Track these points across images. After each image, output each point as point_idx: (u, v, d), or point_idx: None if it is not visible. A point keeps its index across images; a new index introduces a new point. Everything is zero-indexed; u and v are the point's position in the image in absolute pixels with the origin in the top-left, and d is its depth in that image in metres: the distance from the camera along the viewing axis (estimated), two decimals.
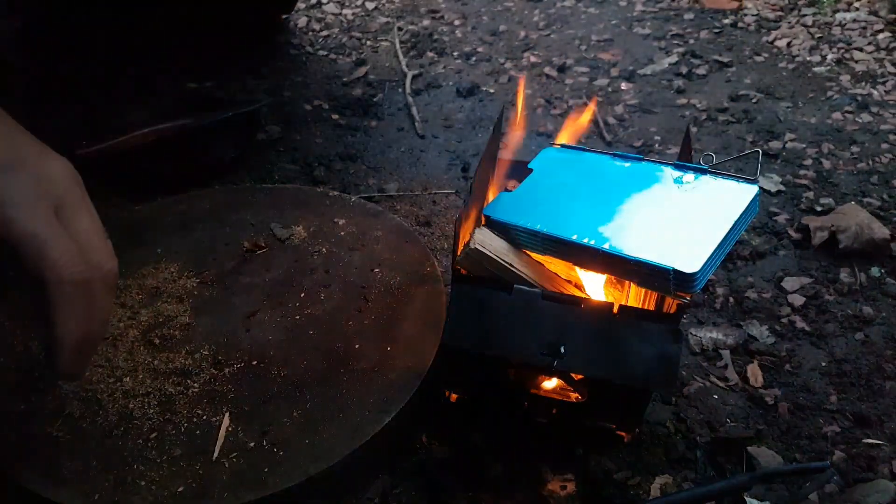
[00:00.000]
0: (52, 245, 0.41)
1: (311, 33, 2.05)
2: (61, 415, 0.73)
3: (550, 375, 0.76)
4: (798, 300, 1.03)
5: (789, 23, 2.05)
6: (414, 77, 1.76)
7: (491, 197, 0.92)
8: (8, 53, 0.95)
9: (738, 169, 1.35)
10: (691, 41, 1.95)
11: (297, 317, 0.87)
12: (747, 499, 0.74)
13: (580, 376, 0.72)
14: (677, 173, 0.78)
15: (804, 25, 2.02)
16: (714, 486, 0.69)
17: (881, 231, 1.10)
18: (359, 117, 1.58)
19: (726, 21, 2.07)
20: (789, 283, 1.06)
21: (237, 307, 0.89)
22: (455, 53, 1.92)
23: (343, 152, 1.42)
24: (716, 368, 0.92)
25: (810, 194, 1.27)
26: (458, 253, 0.74)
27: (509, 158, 0.92)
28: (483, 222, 0.80)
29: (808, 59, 1.83)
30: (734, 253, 1.12)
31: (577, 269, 0.82)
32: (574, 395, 0.76)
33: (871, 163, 1.36)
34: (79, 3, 1.66)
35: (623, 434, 0.80)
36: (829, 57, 1.82)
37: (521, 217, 0.76)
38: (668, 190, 0.76)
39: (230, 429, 0.72)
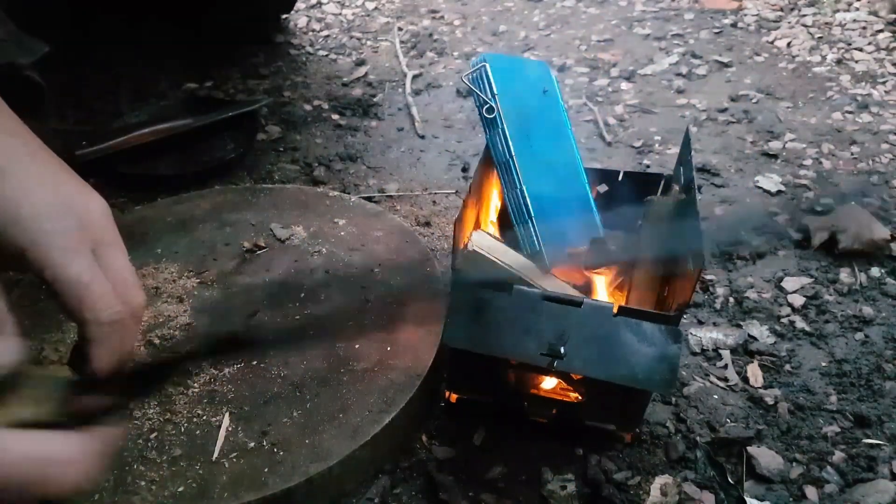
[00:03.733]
0: (93, 289, 0.43)
1: (311, 33, 2.05)
2: None
3: (550, 376, 0.76)
4: (798, 300, 1.03)
5: (789, 23, 2.05)
6: (414, 77, 1.76)
7: (492, 199, 0.92)
8: (36, 74, 0.96)
9: (738, 170, 1.35)
10: (691, 41, 1.95)
11: (297, 317, 0.87)
12: (748, 499, 0.74)
13: (580, 377, 0.72)
14: None
15: (804, 25, 2.02)
16: None
17: (881, 231, 1.10)
18: (359, 117, 1.58)
19: (726, 21, 2.07)
20: (789, 283, 1.06)
21: (237, 307, 0.89)
22: (455, 53, 1.92)
23: (343, 152, 1.42)
24: (716, 368, 0.92)
25: (810, 194, 1.27)
26: (458, 255, 0.74)
27: None
28: (479, 226, 0.80)
29: (808, 59, 1.83)
30: (734, 253, 1.12)
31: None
32: (574, 395, 0.76)
33: (871, 163, 1.36)
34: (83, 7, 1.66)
35: (623, 434, 0.80)
36: (829, 57, 1.82)
37: None
38: None
39: (230, 429, 0.72)
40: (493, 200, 0.91)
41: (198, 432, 0.71)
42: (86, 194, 0.46)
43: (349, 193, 1.21)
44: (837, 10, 2.09)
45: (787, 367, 0.92)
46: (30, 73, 0.95)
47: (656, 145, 1.45)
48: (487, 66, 0.80)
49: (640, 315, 0.69)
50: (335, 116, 1.58)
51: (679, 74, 1.76)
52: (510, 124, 0.80)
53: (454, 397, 0.83)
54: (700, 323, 1.00)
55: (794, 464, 0.79)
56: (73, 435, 0.36)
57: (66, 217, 0.43)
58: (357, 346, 0.82)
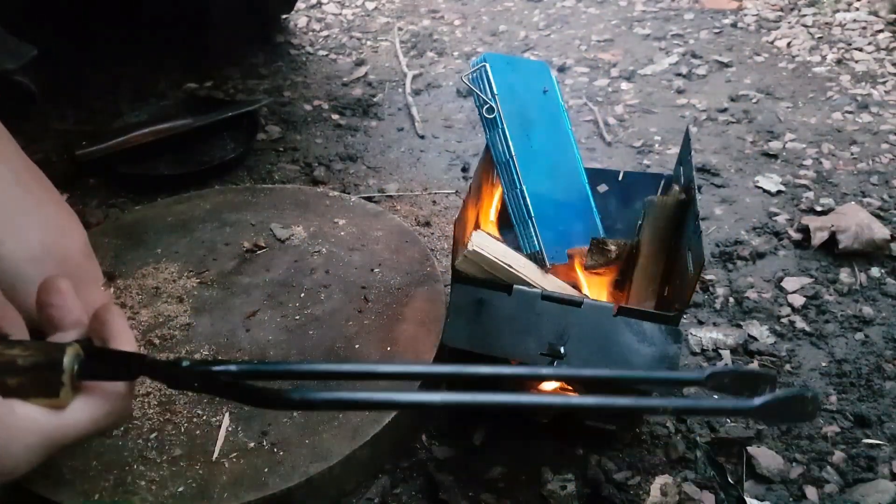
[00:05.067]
0: None
1: (311, 33, 2.05)
2: None
3: None
4: (798, 300, 1.03)
5: (789, 23, 2.05)
6: (414, 77, 1.76)
7: (492, 199, 0.92)
8: (24, 77, 0.95)
9: (738, 170, 1.35)
10: (691, 41, 1.95)
11: (297, 317, 0.87)
12: (748, 499, 0.74)
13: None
14: None
15: (804, 25, 2.02)
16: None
17: (881, 231, 1.10)
18: (359, 117, 1.58)
19: (726, 21, 2.07)
20: (789, 283, 1.06)
21: (237, 307, 0.89)
22: (455, 53, 1.92)
23: (343, 152, 1.42)
24: None
25: (810, 194, 1.27)
26: (458, 255, 0.74)
27: None
28: (479, 226, 0.80)
29: (808, 59, 1.83)
30: (734, 253, 1.12)
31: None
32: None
33: (871, 163, 1.36)
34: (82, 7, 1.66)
35: (623, 434, 0.80)
36: (829, 57, 1.82)
37: None
38: None
39: (230, 429, 0.72)
40: (493, 200, 0.91)
41: (198, 432, 0.71)
42: (67, 229, 0.48)
43: (349, 193, 1.21)
44: (837, 10, 2.09)
45: (787, 367, 0.92)
46: (20, 78, 0.93)
47: (656, 145, 1.45)
48: (487, 66, 0.81)
49: (640, 315, 0.69)
50: (335, 116, 1.58)
51: (679, 74, 1.76)
52: (510, 124, 0.80)
53: None
54: (700, 323, 1.00)
55: (794, 464, 0.79)
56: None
57: (47, 259, 0.45)
58: (357, 346, 0.82)
